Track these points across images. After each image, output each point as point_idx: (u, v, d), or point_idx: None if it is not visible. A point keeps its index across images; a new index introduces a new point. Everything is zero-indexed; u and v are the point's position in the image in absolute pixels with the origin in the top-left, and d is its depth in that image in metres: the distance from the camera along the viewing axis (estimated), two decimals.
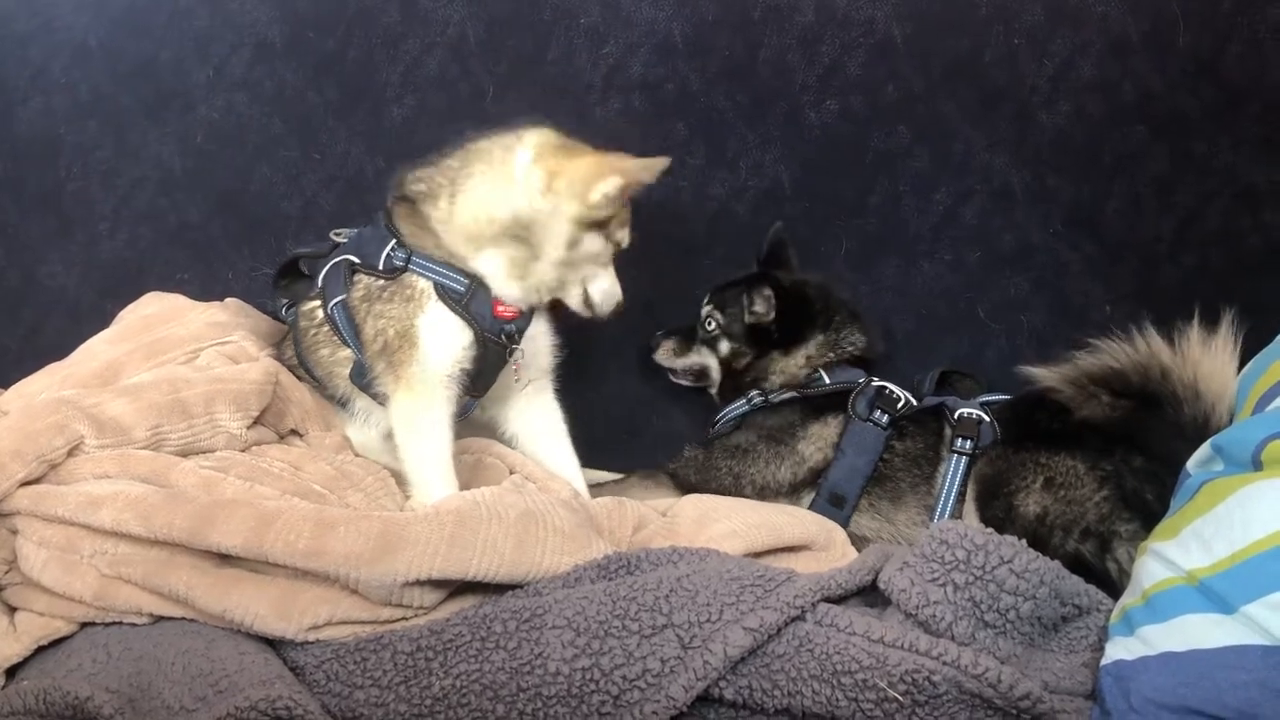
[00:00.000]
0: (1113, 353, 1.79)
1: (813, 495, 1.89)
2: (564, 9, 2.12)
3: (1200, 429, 1.64)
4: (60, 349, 1.92)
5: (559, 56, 2.14)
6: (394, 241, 1.79)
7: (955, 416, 1.87)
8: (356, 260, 1.82)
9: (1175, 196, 2.05)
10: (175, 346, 1.85)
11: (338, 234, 1.92)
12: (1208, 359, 1.70)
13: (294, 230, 2.25)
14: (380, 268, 1.78)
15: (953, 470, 1.82)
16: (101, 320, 2.03)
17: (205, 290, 2.15)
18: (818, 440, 1.91)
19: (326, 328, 1.85)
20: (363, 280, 1.80)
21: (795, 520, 1.69)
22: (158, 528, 1.43)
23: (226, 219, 2.26)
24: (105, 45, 2.21)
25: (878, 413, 1.89)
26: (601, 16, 2.11)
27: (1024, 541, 1.37)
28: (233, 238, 2.27)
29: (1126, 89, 2.03)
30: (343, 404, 1.91)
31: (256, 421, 1.76)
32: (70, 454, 1.55)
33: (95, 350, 1.87)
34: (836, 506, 1.85)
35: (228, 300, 2.13)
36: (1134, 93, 2.03)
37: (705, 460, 1.97)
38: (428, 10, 2.15)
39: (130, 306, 2.05)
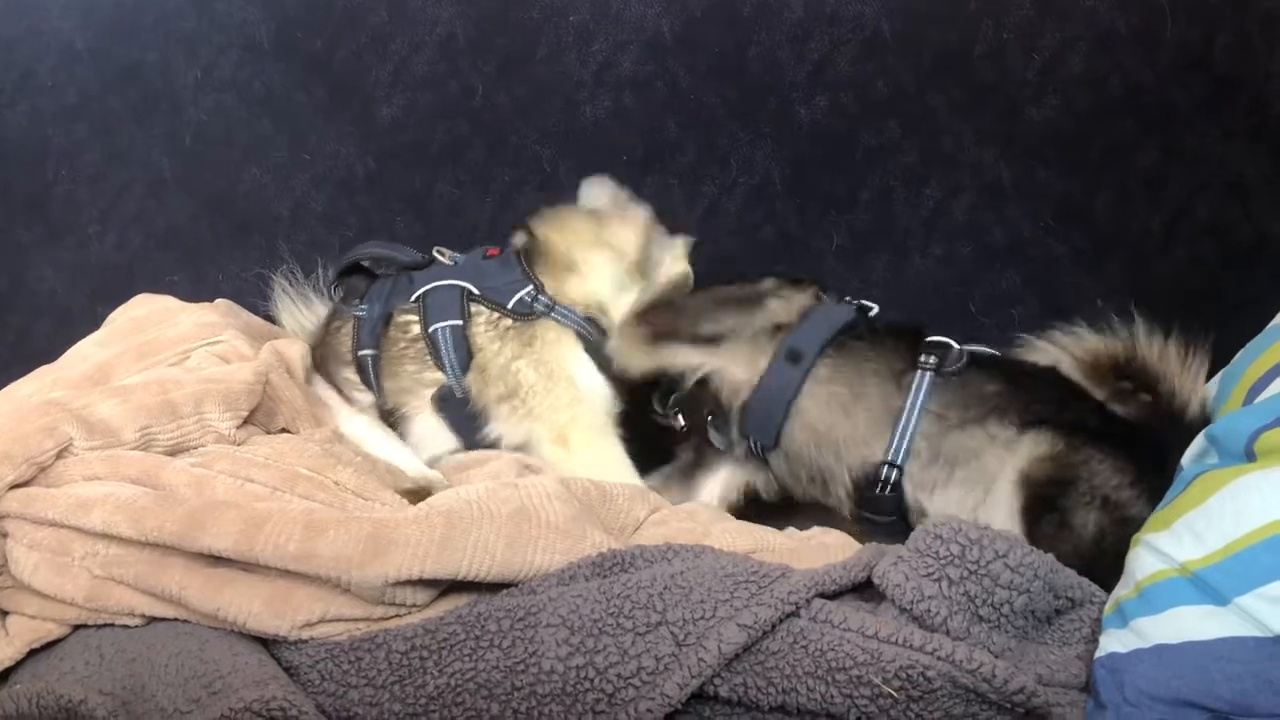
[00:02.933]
0: (1109, 343, 1.76)
1: (767, 353, 1.76)
2: (553, 7, 2.12)
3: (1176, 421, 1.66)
4: (50, 353, 1.92)
5: (548, 54, 2.14)
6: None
7: (927, 339, 1.75)
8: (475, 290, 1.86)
9: (1165, 189, 2.06)
10: (165, 348, 1.84)
11: (440, 252, 1.93)
12: (1172, 358, 1.71)
13: (284, 231, 2.25)
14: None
15: (917, 384, 1.67)
16: (91, 323, 2.02)
17: (195, 292, 2.14)
18: (788, 304, 1.81)
19: (420, 345, 1.86)
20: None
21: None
22: (148, 530, 1.42)
23: (216, 221, 2.26)
24: (92, 48, 2.21)
25: (849, 299, 1.83)
26: (590, 14, 2.11)
27: (1023, 537, 1.37)
28: (222, 239, 2.27)
29: (1115, 82, 2.04)
30: (395, 422, 1.91)
31: (246, 421, 1.76)
32: (59, 456, 1.54)
33: (85, 353, 1.87)
34: (793, 362, 1.73)
35: (218, 301, 2.12)
36: (1123, 86, 2.03)
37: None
38: (416, 9, 2.15)
39: (120, 309, 2.04)
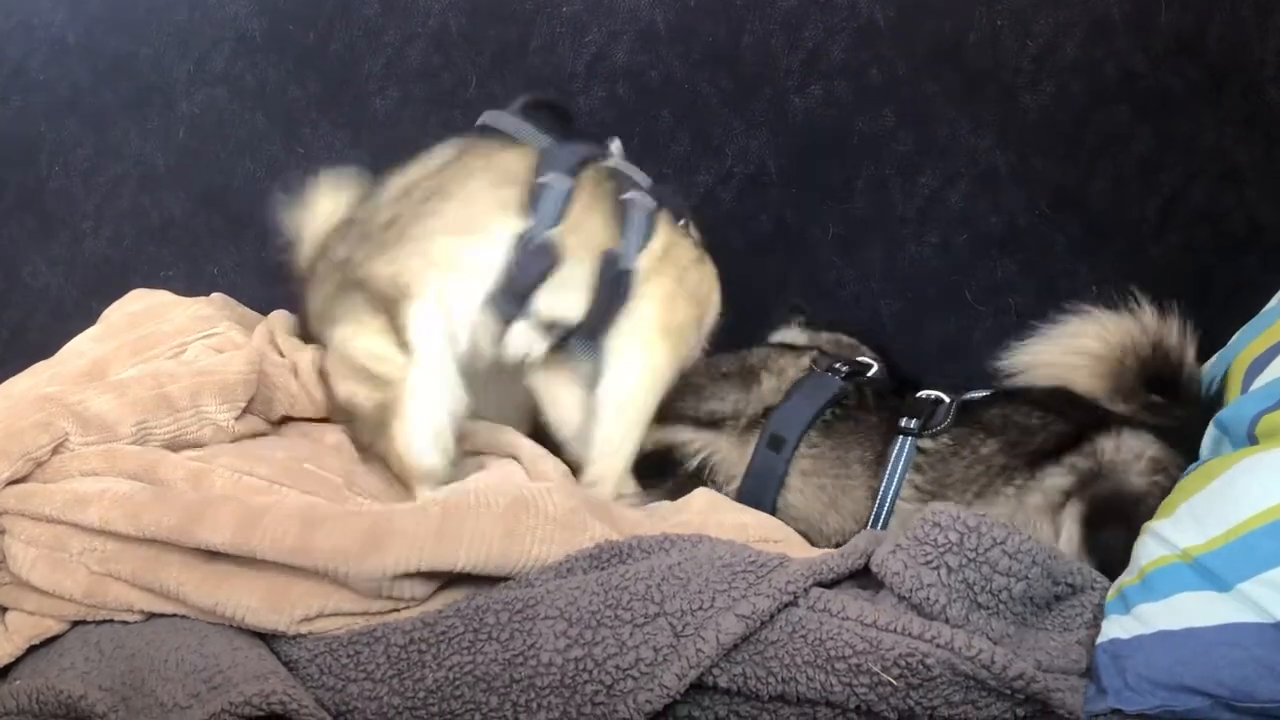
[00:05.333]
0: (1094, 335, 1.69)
1: (756, 436, 1.74)
2: None
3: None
4: (45, 349, 1.91)
5: (541, 45, 2.13)
6: None
7: (912, 395, 1.71)
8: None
9: (1159, 176, 2.06)
10: (162, 342, 1.84)
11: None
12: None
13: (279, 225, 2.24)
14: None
15: (896, 453, 1.64)
16: (87, 319, 2.02)
17: (191, 287, 2.13)
18: (778, 380, 1.79)
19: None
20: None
21: None
22: (145, 525, 1.42)
23: (210, 215, 2.26)
24: (84, 42, 2.20)
25: (839, 364, 1.78)
26: (583, 4, 2.11)
27: (1015, 522, 1.37)
28: (217, 234, 2.26)
29: (1109, 69, 2.03)
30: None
31: (245, 411, 1.76)
32: (55, 451, 1.54)
33: (81, 348, 1.86)
34: (775, 450, 1.71)
35: (214, 295, 2.12)
36: (1117, 73, 2.03)
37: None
38: (408, 1, 2.14)
39: (115, 304, 2.04)
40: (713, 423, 1.78)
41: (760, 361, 1.83)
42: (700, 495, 1.71)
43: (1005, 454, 1.62)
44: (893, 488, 1.63)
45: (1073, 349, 1.71)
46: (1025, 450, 1.61)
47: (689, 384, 1.83)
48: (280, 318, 1.99)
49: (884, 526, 1.64)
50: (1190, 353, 1.65)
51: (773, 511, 1.69)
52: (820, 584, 1.36)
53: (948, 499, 1.60)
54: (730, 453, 1.76)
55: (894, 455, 1.64)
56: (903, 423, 1.66)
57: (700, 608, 1.32)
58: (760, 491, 1.71)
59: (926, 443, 1.65)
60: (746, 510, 1.66)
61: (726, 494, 1.74)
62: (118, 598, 1.43)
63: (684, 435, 1.79)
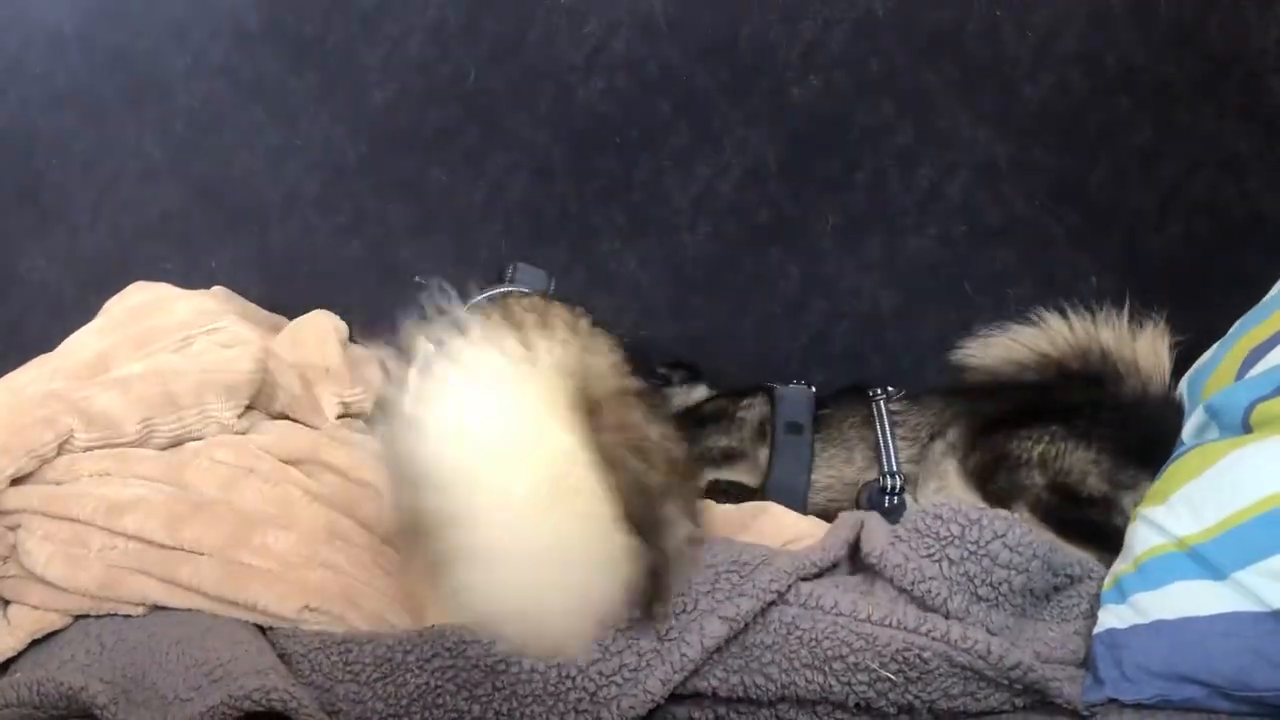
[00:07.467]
0: (1046, 338, 1.87)
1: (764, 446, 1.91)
2: None
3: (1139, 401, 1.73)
4: (44, 343, 1.91)
5: (540, 38, 2.13)
6: None
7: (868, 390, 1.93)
8: None
9: (1159, 167, 2.05)
10: (165, 335, 1.84)
11: None
12: (1143, 338, 1.79)
13: (277, 218, 2.24)
14: None
15: (879, 411, 1.86)
16: (85, 313, 2.02)
17: (190, 280, 2.14)
18: (751, 409, 1.96)
19: None
20: None
21: None
22: (185, 540, 1.43)
23: (209, 208, 2.25)
24: (81, 34, 2.20)
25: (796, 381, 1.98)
26: None
27: (1017, 516, 1.37)
28: (215, 227, 2.26)
29: (1109, 60, 2.03)
30: None
31: (248, 409, 1.76)
32: (61, 447, 1.54)
33: (84, 341, 1.86)
34: (797, 434, 1.88)
35: (215, 288, 2.12)
36: (1117, 64, 2.02)
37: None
38: None
39: (116, 297, 2.04)
40: (728, 456, 1.92)
41: (724, 405, 1.99)
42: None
43: (946, 407, 1.85)
44: (887, 431, 1.84)
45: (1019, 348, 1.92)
46: (956, 405, 1.85)
47: (697, 435, 1.94)
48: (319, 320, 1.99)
49: (895, 463, 1.81)
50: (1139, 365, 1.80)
51: (806, 489, 1.86)
52: (805, 577, 1.36)
53: (921, 438, 1.83)
54: (744, 476, 1.91)
55: (876, 411, 1.87)
56: (872, 394, 1.90)
57: (684, 610, 1.31)
58: (791, 476, 1.86)
59: (893, 406, 1.88)
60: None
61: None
62: (133, 590, 1.43)
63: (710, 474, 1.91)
